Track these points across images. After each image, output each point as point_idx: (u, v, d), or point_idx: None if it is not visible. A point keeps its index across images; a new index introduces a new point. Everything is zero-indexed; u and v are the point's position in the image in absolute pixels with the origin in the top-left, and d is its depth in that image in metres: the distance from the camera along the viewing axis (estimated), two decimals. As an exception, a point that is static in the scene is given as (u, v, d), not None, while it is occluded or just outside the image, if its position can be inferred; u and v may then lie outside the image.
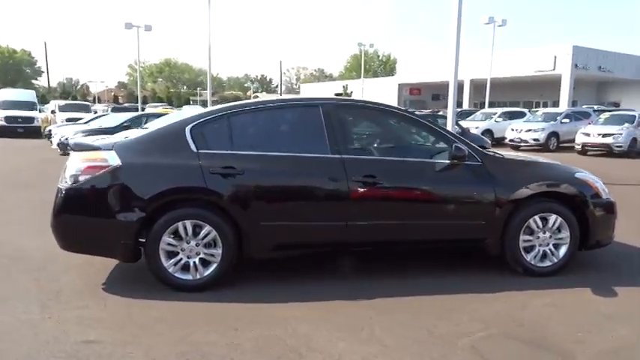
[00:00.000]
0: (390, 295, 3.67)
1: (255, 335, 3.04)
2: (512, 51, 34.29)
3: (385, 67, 61.06)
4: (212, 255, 3.71)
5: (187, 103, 57.27)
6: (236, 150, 3.83)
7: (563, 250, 4.13)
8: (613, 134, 15.53)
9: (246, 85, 79.25)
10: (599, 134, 15.83)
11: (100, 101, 58.24)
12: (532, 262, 4.10)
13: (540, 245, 4.11)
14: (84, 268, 4.20)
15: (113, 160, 3.64)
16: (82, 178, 3.61)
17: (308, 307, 3.46)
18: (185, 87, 76.16)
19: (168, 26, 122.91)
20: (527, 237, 4.07)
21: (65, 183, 3.68)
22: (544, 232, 4.09)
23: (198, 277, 3.71)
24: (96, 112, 28.44)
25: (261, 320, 3.25)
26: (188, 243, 3.68)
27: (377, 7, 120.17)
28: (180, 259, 3.69)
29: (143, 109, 28.57)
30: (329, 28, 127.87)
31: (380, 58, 59.09)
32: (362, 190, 3.79)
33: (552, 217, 4.08)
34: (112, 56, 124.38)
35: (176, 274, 3.69)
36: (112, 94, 68.64)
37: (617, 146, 15.30)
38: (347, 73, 63.74)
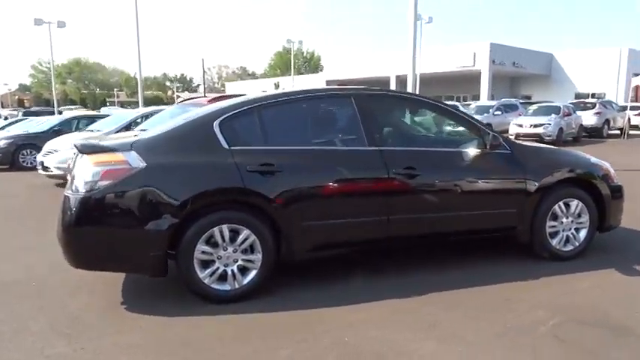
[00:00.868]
0: (437, 290, 3.55)
1: (329, 344, 2.79)
2: (437, 48, 35.71)
3: (310, 64, 61.30)
4: (251, 261, 3.39)
5: (104, 104, 54.01)
6: (271, 145, 3.54)
7: (583, 234, 4.25)
8: (543, 124, 16.64)
9: (166, 84, 76.11)
10: (531, 125, 16.90)
11: (2, 105, 53.23)
12: (557, 247, 4.17)
13: (564, 230, 4.19)
14: (90, 288, 3.70)
15: (135, 161, 3.20)
16: (100, 185, 3.14)
17: (363, 309, 3.25)
18: (98, 88, 71.68)
19: (76, 23, 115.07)
20: (553, 222, 4.13)
21: (78, 191, 3.19)
22: (567, 218, 4.18)
23: (237, 286, 3.37)
24: (6, 118, 25.91)
25: (322, 328, 2.99)
26: (225, 250, 3.33)
27: (298, 4, 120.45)
28: (217, 268, 3.33)
29: (60, 112, 26.46)
30: (249, 27, 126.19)
31: (304, 55, 59.19)
32: (403, 182, 3.65)
33: (574, 202, 4.18)
34: (9, 56, 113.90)
35: (212, 285, 3.33)
36: (16, 97, 63.03)
37: (547, 135, 16.37)
38: (271, 70, 63.28)
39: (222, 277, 3.35)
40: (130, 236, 3.20)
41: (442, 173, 3.81)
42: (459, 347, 2.74)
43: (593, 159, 4.45)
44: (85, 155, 3.26)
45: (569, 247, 4.22)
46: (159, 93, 62.60)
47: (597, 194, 4.26)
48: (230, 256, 3.34)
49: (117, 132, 9.41)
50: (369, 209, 3.62)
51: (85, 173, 3.18)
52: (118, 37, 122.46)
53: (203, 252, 3.28)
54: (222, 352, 2.74)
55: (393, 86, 37.96)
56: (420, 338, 2.85)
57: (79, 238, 3.20)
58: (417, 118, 4.35)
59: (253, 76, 75.54)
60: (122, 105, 51.24)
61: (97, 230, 3.19)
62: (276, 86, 37.29)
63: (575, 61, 37.39)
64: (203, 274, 3.30)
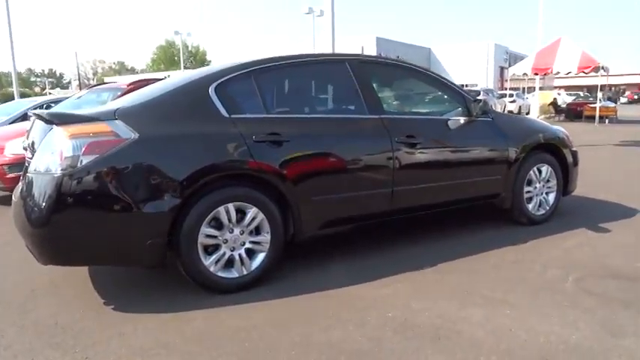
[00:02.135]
0: (445, 259, 3.46)
1: (376, 321, 2.56)
2: (329, 40, 36.30)
3: (195, 59, 58.98)
4: (258, 243, 3.02)
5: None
6: (272, 113, 3.17)
7: (552, 198, 4.45)
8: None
9: (32, 80, 68.34)
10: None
11: None
12: (533, 212, 4.33)
13: (537, 195, 4.36)
14: (51, 289, 3.06)
15: (125, 132, 2.66)
16: (83, 161, 2.56)
17: (387, 284, 3.05)
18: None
19: None
20: (528, 188, 4.28)
21: (50, 170, 2.57)
22: (539, 183, 4.35)
23: (245, 272, 2.98)
24: None
25: (360, 305, 2.75)
26: (231, 232, 2.92)
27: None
28: (223, 253, 2.91)
29: None
30: (125, 19, 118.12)
31: (189, 49, 56.73)
32: (405, 151, 3.50)
33: (544, 167, 4.36)
34: None
35: (219, 274, 2.91)
36: None
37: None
38: (155, 65, 59.77)
39: (229, 263, 2.94)
40: (123, 222, 2.65)
41: (439, 141, 3.73)
42: (506, 310, 2.67)
43: (554, 126, 4.69)
44: (57, 127, 2.63)
45: (542, 212, 4.40)
46: (25, 90, 55.98)
47: (562, 159, 4.50)
48: (237, 238, 2.94)
49: (10, 123, 8.12)
50: (375, 181, 3.42)
51: (61, 148, 2.57)
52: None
53: (207, 235, 2.85)
54: (270, 340, 2.38)
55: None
56: (462, 306, 2.72)
57: (58, 228, 2.57)
58: (407, 86, 4.21)
59: (132, 71, 70.83)
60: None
61: (82, 216, 2.60)
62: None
63: (449, 55, 40.51)
64: (208, 262, 2.86)
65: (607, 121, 19.54)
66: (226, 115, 2.95)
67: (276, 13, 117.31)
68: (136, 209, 2.64)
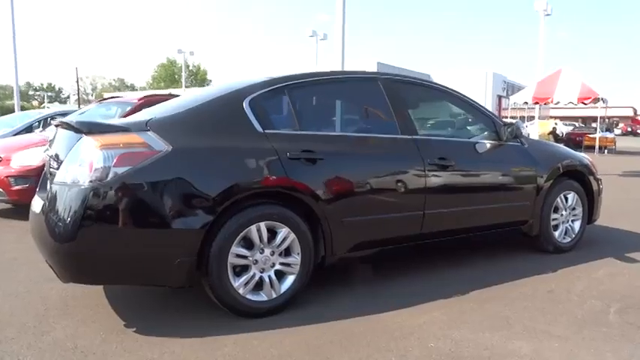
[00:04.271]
0: (473, 287, 3.32)
1: (419, 351, 2.40)
2: (331, 65, 36.52)
3: (196, 78, 59.22)
4: (288, 265, 2.88)
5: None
6: (305, 130, 3.07)
7: (577, 225, 4.35)
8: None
9: (30, 93, 68.23)
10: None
11: None
12: (559, 240, 4.22)
13: (563, 222, 4.25)
14: (71, 311, 2.88)
15: (157, 144, 2.54)
16: (115, 173, 2.43)
17: (420, 312, 2.91)
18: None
19: None
20: (555, 215, 4.18)
21: (78, 182, 2.44)
22: (565, 210, 4.25)
23: (274, 295, 2.83)
24: None
25: (397, 334, 2.59)
26: (262, 252, 2.78)
27: (181, 14, 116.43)
28: (253, 274, 2.77)
29: None
30: (126, 36, 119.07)
31: (190, 68, 56.98)
32: (437, 174, 3.40)
33: (571, 195, 4.27)
34: None
35: (247, 296, 2.76)
36: None
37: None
38: (155, 82, 59.92)
39: (258, 286, 2.79)
40: (153, 238, 2.51)
41: (470, 165, 3.63)
42: (554, 343, 2.53)
43: (579, 153, 4.62)
44: (87, 136, 2.51)
45: (568, 239, 4.29)
46: (23, 103, 55.89)
47: (588, 186, 4.41)
48: (267, 259, 2.80)
49: (15, 134, 7.99)
50: (407, 204, 3.30)
51: (91, 158, 2.44)
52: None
53: (237, 255, 2.70)
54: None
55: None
56: (507, 338, 2.58)
57: (86, 243, 2.42)
58: (438, 107, 4.14)
59: (132, 88, 70.99)
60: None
61: (110, 232, 2.45)
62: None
63: (448, 82, 40.62)
64: (237, 283, 2.71)
65: (606, 151, 19.66)
66: (260, 129, 2.84)
67: (279, 35, 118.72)
68: (167, 225, 2.50)
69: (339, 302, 3.04)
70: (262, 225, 2.75)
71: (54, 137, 3.03)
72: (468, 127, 3.96)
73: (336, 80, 3.41)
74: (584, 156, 4.56)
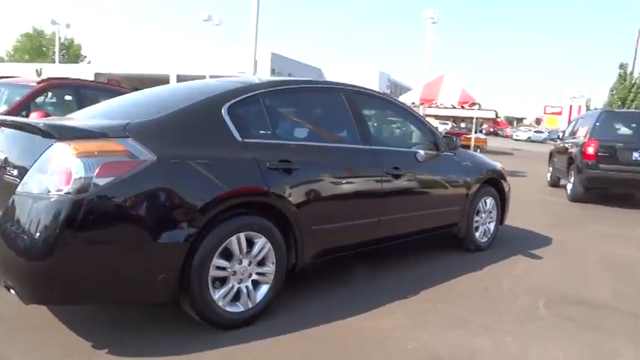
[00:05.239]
0: (426, 287, 3.61)
1: (404, 356, 2.59)
2: (223, 50, 35.65)
3: (68, 53, 53.82)
4: (263, 274, 2.89)
5: None
6: (280, 139, 3.08)
7: (492, 226, 4.90)
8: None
9: None
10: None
11: None
12: (479, 240, 4.72)
13: (482, 224, 4.76)
14: (27, 334, 2.60)
15: (140, 153, 2.39)
16: (97, 184, 2.24)
17: (384, 315, 3.10)
18: None
19: None
20: (477, 217, 4.66)
21: (56, 191, 2.22)
22: (484, 213, 4.76)
23: (250, 305, 2.83)
24: None
25: (375, 338, 2.76)
26: (240, 263, 2.77)
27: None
28: (232, 286, 2.74)
29: None
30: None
31: (62, 41, 51.54)
32: (392, 182, 3.62)
33: (489, 199, 4.80)
34: None
35: (227, 308, 2.72)
36: None
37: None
38: (18, 55, 53.37)
39: (236, 297, 2.77)
40: (139, 253, 2.37)
41: (418, 173, 3.91)
42: (508, 338, 2.87)
43: (493, 161, 5.18)
44: (60, 142, 2.28)
45: (485, 239, 4.81)
46: None
47: (501, 191, 4.98)
48: (245, 270, 2.79)
49: None
50: (368, 210, 3.48)
51: (68, 167, 2.23)
52: None
53: (218, 267, 2.66)
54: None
55: (172, 87, 36.59)
56: (469, 335, 2.88)
57: (63, 260, 2.21)
58: (386, 119, 4.35)
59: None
60: None
61: (93, 247, 2.27)
62: (38, 73, 31.40)
63: (338, 77, 42.14)
64: (217, 296, 2.67)
65: (479, 150, 21.85)
66: (239, 139, 2.80)
67: (169, 16, 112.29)
68: (152, 240, 2.38)
69: (307, 308, 3.12)
70: (242, 236, 2.73)
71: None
72: (413, 138, 4.24)
73: (305, 89, 3.49)
74: (497, 163, 5.13)
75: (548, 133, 34.14)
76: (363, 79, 39.71)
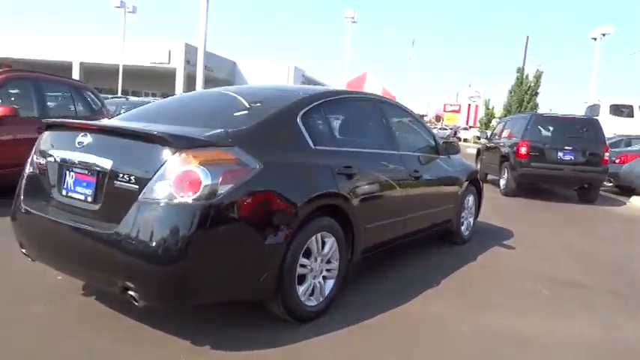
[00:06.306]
0: (444, 275, 4.06)
1: (472, 335, 3.00)
2: (138, 40, 33.93)
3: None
4: (330, 270, 3.15)
5: None
6: (340, 146, 3.35)
7: (472, 220, 5.51)
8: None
9: None
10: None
11: None
12: (464, 233, 5.29)
13: (466, 219, 5.34)
14: (117, 333, 2.62)
15: (249, 161, 2.55)
16: (221, 190, 2.37)
17: (428, 301, 3.50)
18: None
19: None
20: (462, 214, 5.23)
21: (183, 198, 2.31)
22: (467, 209, 5.34)
23: (321, 299, 3.08)
24: None
25: (436, 323, 3.14)
26: (316, 261, 3.00)
27: None
28: (310, 282, 2.97)
29: None
30: None
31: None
32: (414, 183, 4.02)
33: (471, 197, 5.39)
34: None
35: (307, 303, 2.96)
36: None
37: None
38: None
39: (312, 292, 3.01)
40: (252, 254, 2.55)
41: (430, 175, 4.35)
42: (536, 317, 3.39)
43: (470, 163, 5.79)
44: (182, 151, 2.37)
45: (467, 232, 5.39)
46: None
47: (479, 189, 5.60)
48: (319, 267, 3.03)
49: None
50: (400, 209, 3.85)
51: (197, 175, 2.34)
52: None
53: (302, 265, 2.88)
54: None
55: (76, 73, 34.22)
56: (503, 316, 3.36)
57: (194, 262, 2.33)
58: (401, 124, 4.71)
59: None
60: None
61: (218, 249, 2.41)
62: None
63: (253, 71, 41.89)
64: (300, 291, 2.89)
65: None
66: (312, 146, 3.02)
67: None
68: (261, 241, 2.55)
69: (362, 301, 3.40)
70: (319, 236, 2.97)
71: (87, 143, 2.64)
72: (422, 143, 4.68)
73: (351, 99, 3.84)
74: (472, 164, 5.75)
75: (453, 130, 36.94)
76: (278, 74, 39.89)
